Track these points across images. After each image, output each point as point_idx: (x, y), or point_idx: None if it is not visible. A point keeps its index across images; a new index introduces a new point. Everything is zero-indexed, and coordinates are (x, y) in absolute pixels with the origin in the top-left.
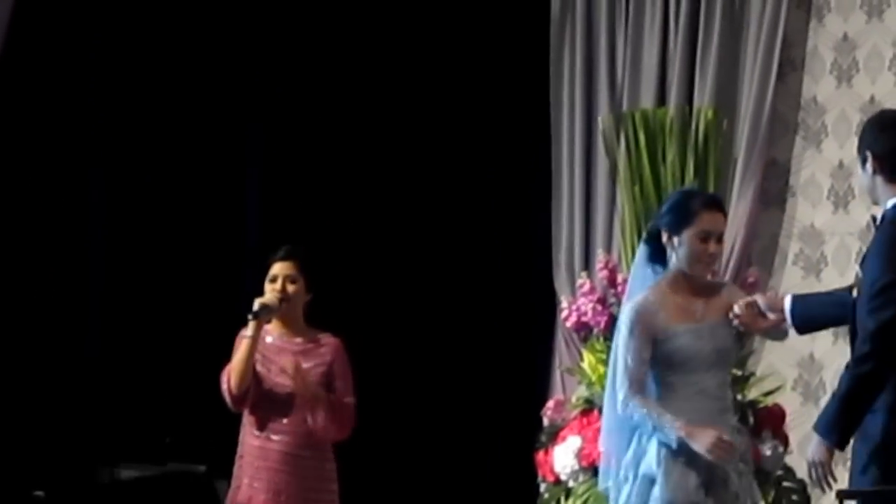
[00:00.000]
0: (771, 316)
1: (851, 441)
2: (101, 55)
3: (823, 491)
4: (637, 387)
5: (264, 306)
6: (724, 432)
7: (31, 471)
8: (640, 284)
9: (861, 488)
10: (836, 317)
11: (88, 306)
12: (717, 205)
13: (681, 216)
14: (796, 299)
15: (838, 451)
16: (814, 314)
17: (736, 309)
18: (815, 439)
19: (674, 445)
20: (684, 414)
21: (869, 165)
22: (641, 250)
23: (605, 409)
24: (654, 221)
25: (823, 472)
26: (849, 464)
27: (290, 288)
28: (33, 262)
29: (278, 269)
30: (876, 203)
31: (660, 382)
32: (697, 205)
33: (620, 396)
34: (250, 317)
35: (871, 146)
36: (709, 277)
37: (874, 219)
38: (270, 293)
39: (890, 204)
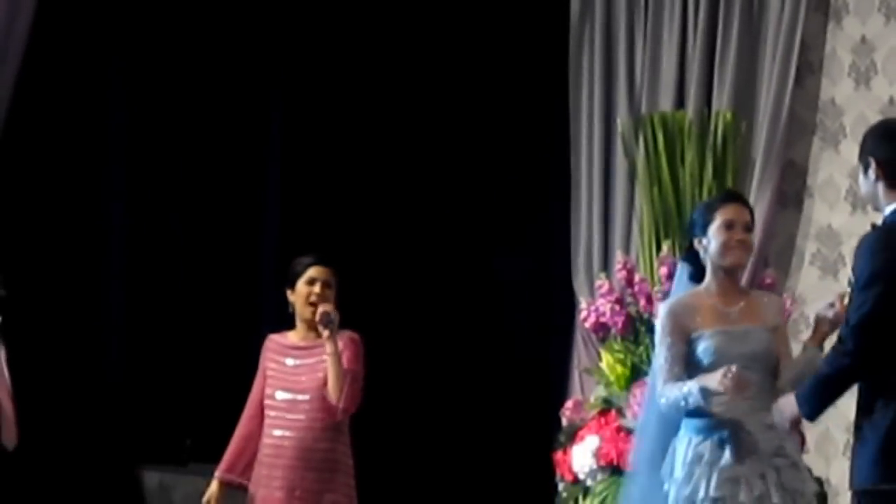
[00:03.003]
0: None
1: (851, 442)
2: (120, 67)
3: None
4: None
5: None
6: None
7: (54, 472)
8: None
9: (879, 486)
10: None
11: (111, 311)
12: (736, 198)
13: (703, 216)
14: None
15: None
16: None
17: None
18: (792, 400)
19: (702, 402)
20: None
21: (871, 171)
22: (681, 269)
23: (642, 413)
24: (686, 238)
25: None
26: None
27: (329, 293)
28: (55, 267)
29: (317, 272)
30: (877, 209)
31: None
32: (717, 202)
33: (658, 393)
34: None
35: (874, 152)
36: (745, 276)
37: (874, 226)
38: (325, 305)
39: (889, 210)
